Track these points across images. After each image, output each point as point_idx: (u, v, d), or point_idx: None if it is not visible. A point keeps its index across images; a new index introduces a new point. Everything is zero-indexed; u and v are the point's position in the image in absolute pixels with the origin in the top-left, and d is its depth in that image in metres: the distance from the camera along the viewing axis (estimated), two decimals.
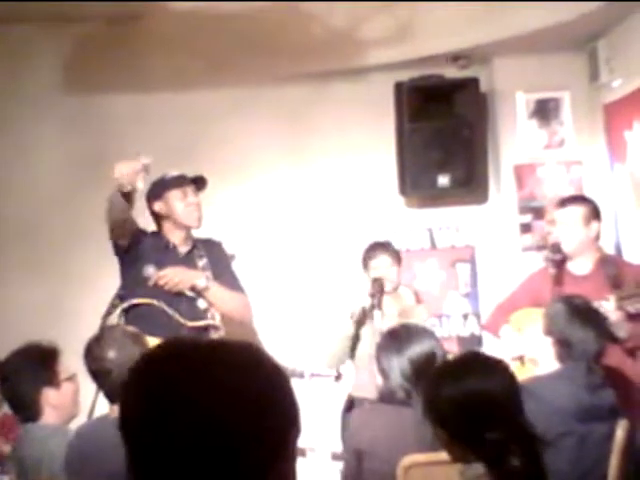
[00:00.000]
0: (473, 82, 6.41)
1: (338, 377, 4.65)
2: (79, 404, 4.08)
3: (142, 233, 5.04)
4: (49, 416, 3.85)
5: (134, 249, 4.96)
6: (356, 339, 5.25)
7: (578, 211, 5.10)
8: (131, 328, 3.95)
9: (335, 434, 4.79)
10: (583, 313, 3.96)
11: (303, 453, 4.31)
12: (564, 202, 5.25)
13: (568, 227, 5.09)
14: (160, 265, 4.98)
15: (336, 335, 5.33)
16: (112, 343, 3.71)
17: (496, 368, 2.79)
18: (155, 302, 4.84)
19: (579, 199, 5.35)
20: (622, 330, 4.74)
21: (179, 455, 1.37)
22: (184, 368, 1.43)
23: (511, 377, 2.79)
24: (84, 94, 6.25)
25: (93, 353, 3.73)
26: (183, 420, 1.37)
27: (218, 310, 5.00)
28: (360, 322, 5.24)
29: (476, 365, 2.79)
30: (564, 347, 3.89)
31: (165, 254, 5.04)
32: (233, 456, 1.38)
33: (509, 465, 2.56)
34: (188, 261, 5.06)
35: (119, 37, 5.96)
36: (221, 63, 6.05)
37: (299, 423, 1.46)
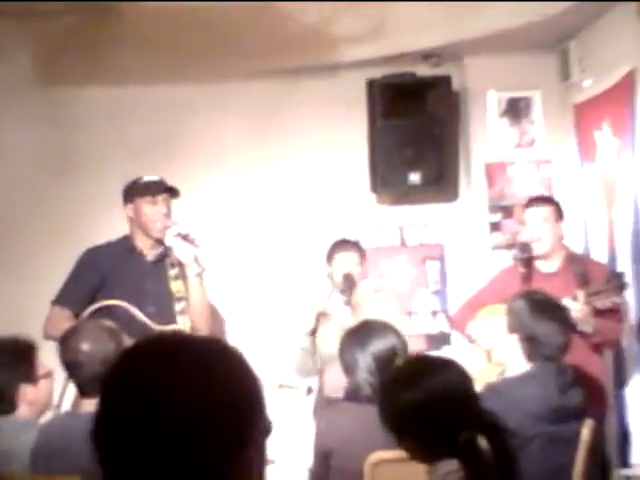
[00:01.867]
0: (445, 80, 6.43)
1: (309, 390, 4.63)
2: (53, 399, 4.08)
3: (103, 249, 5.04)
4: (23, 411, 3.85)
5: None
6: (314, 350, 5.25)
7: (548, 211, 5.17)
8: (109, 323, 3.94)
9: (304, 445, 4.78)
10: (545, 307, 3.98)
11: (271, 463, 4.30)
12: (532, 202, 5.31)
13: (540, 227, 5.14)
14: (125, 269, 4.97)
15: (295, 347, 5.34)
16: (87, 336, 3.71)
17: (447, 367, 2.80)
18: (122, 304, 4.81)
19: (547, 199, 5.42)
20: (589, 325, 4.80)
21: (152, 448, 1.41)
22: (158, 365, 1.47)
23: (463, 373, 2.80)
24: (57, 88, 6.22)
25: (68, 344, 3.74)
26: (156, 415, 1.42)
27: (192, 313, 4.96)
28: (314, 332, 5.24)
29: (428, 367, 2.79)
30: (531, 344, 3.91)
31: (130, 259, 5.01)
32: (197, 449, 1.41)
33: (482, 460, 2.57)
34: (157, 268, 5.01)
35: (92, 32, 5.92)
36: (193, 59, 6.03)
37: (264, 417, 1.50)
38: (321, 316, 5.22)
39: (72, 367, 3.70)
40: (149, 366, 1.47)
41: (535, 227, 5.18)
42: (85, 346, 3.67)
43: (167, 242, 4.95)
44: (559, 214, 5.21)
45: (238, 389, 1.47)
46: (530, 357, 3.92)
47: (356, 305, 5.19)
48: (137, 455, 1.42)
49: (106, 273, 4.96)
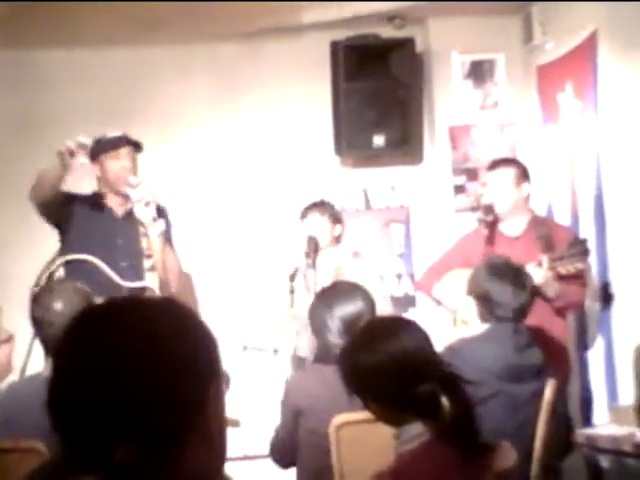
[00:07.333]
0: (409, 42, 6.41)
1: (276, 351, 4.65)
2: (12, 364, 4.06)
3: (73, 198, 4.99)
4: None
5: (67, 217, 4.92)
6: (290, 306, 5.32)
7: (508, 173, 5.18)
8: (82, 285, 3.93)
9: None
10: (501, 269, 4.02)
11: (236, 424, 4.31)
12: (494, 164, 5.32)
13: (500, 189, 5.16)
14: (95, 227, 4.95)
15: (275, 308, 5.40)
16: (61, 295, 3.72)
17: (406, 328, 2.81)
18: (90, 258, 4.80)
19: (509, 161, 5.44)
20: (552, 290, 4.83)
21: (107, 413, 1.41)
22: (107, 329, 1.47)
23: (420, 330, 2.81)
24: (19, 50, 6.15)
25: (40, 301, 3.73)
26: (108, 379, 1.42)
27: (159, 271, 4.95)
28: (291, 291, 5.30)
29: (386, 329, 2.80)
30: (484, 303, 3.95)
31: (100, 216, 5.00)
32: (153, 411, 1.42)
33: (444, 415, 2.59)
34: (127, 224, 4.98)
35: None
36: (157, 21, 5.98)
37: (220, 374, 1.50)
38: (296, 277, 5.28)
39: (42, 324, 3.69)
40: (99, 330, 1.46)
41: (495, 189, 5.19)
42: (58, 305, 3.67)
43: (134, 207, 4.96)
44: (522, 176, 5.21)
45: (191, 348, 1.46)
46: (483, 317, 3.96)
47: (338, 269, 5.24)
48: (94, 419, 1.41)
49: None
